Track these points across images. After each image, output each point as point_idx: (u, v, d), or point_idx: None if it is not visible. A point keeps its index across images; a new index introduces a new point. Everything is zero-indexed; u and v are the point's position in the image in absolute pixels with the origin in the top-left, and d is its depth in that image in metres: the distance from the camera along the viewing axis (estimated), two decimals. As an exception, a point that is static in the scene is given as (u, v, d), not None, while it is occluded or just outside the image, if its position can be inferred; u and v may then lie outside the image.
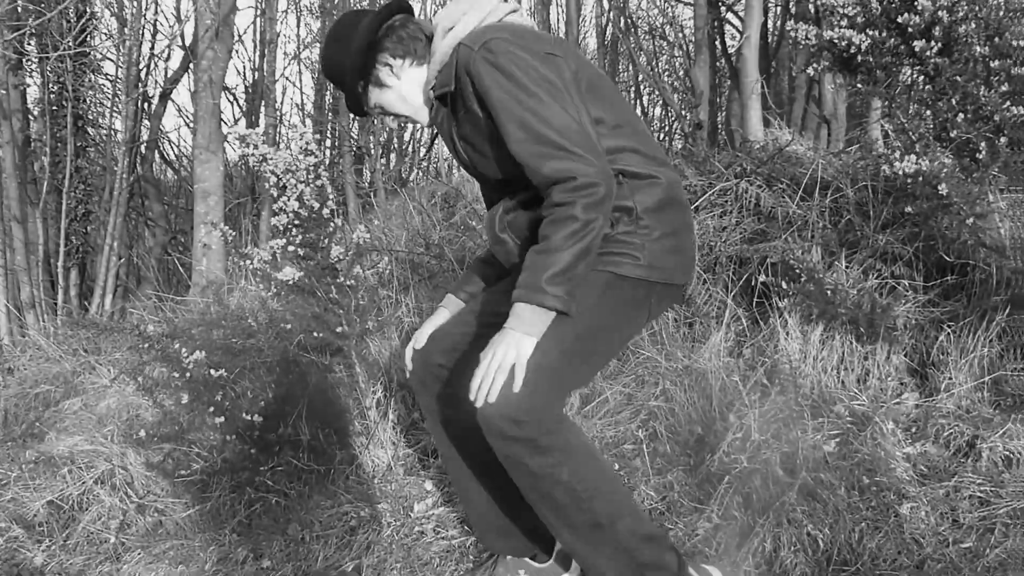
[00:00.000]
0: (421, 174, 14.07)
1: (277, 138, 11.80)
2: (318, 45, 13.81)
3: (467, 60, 2.03)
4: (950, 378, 3.21)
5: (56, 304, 8.72)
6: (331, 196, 3.23)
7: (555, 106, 1.93)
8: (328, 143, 13.07)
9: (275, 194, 3.23)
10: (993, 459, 2.82)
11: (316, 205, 3.19)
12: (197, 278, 7.01)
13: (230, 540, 3.11)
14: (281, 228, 3.25)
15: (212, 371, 2.92)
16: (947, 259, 3.50)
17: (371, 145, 12.04)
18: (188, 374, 2.89)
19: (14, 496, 3.62)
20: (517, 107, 1.93)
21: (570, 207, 1.86)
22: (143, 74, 9.90)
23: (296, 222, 3.21)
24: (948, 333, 3.34)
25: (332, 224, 3.26)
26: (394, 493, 3.23)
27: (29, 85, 8.87)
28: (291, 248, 3.25)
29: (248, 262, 3.26)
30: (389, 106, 2.31)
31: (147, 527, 3.31)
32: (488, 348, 1.94)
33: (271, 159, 3.15)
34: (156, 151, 13.14)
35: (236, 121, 14.77)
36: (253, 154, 3.15)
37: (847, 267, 3.64)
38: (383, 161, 14.68)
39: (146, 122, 11.05)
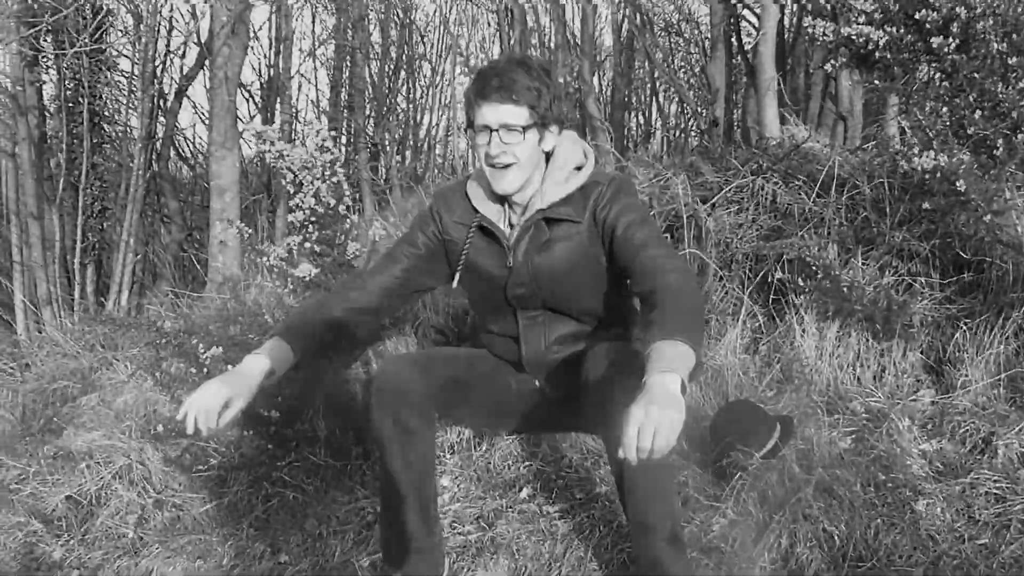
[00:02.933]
0: (437, 171, 14.08)
1: (292, 135, 11.79)
2: (332, 42, 13.81)
3: (602, 196, 2.31)
4: (966, 375, 3.21)
5: (73, 300, 8.75)
6: (347, 193, 3.24)
7: None
8: (344, 140, 13.07)
9: (291, 191, 3.24)
10: (1009, 456, 2.81)
11: (332, 202, 3.21)
12: (213, 274, 7.02)
13: (247, 535, 3.13)
14: (297, 225, 3.26)
15: (229, 366, 2.93)
16: (964, 256, 3.49)
17: (386, 142, 12.06)
18: (205, 369, 2.90)
19: (32, 491, 3.65)
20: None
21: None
22: (159, 71, 9.90)
23: (312, 219, 3.23)
24: (964, 330, 3.34)
25: (348, 221, 3.28)
26: (410, 488, 3.24)
27: (45, 82, 8.86)
28: (307, 245, 3.26)
29: (264, 259, 3.28)
30: (524, 146, 2.27)
31: (165, 522, 3.33)
32: None
33: (288, 155, 3.17)
34: (172, 148, 13.17)
35: (252, 118, 14.79)
36: (270, 151, 3.17)
37: (863, 264, 3.63)
38: (399, 158, 14.69)
39: (162, 119, 11.08)
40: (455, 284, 2.44)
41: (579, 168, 2.37)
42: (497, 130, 2.21)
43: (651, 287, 2.07)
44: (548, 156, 2.35)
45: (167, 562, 3.11)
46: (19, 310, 8.69)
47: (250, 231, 3.49)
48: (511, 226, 2.38)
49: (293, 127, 12.46)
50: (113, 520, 3.42)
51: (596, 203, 2.30)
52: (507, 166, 2.24)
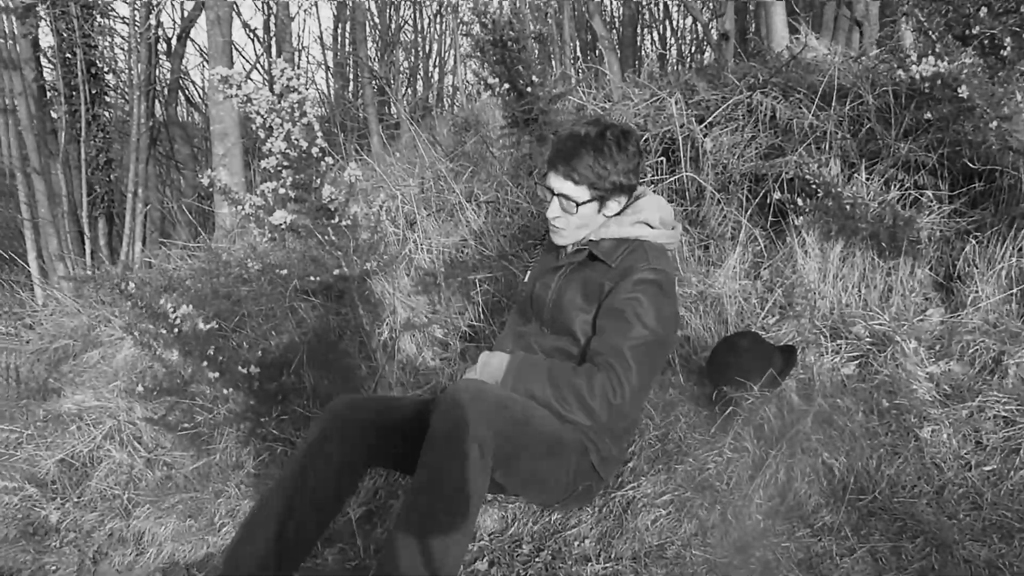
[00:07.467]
0: (447, 102, 13.78)
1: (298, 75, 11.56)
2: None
3: (638, 266, 2.34)
4: (976, 291, 3.05)
5: (85, 254, 8.68)
6: (319, 134, 3.10)
7: (657, 352, 2.33)
8: (352, 75, 12.84)
9: (262, 135, 3.11)
10: (1020, 375, 2.68)
11: (304, 144, 3.07)
12: (220, 222, 6.97)
13: (236, 492, 3.07)
14: (271, 171, 3.14)
15: (202, 324, 2.84)
16: (972, 166, 3.29)
17: (391, 76, 11.80)
18: (176, 330, 2.80)
19: (27, 455, 3.62)
20: (641, 328, 2.26)
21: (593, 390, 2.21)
22: (157, 15, 9.66)
23: (285, 163, 3.10)
24: (975, 244, 3.17)
25: (323, 163, 3.14)
26: (402, 436, 3.16)
27: (33, 33, 8.52)
28: (282, 191, 3.14)
29: (239, 208, 3.16)
30: (577, 215, 2.40)
31: (156, 481, 3.28)
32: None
33: (255, 99, 3.03)
34: (180, 93, 13.00)
35: (258, 58, 14.58)
36: (236, 95, 3.03)
37: (867, 179, 3.45)
38: (409, 91, 14.42)
39: (169, 64, 10.92)
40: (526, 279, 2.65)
41: (649, 226, 2.45)
42: (557, 196, 2.38)
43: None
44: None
45: (159, 522, 3.07)
46: (33, 267, 8.66)
47: (223, 182, 3.34)
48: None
49: (296, 64, 12.21)
50: (106, 482, 3.38)
51: (630, 264, 2.36)
52: (558, 229, 2.44)
